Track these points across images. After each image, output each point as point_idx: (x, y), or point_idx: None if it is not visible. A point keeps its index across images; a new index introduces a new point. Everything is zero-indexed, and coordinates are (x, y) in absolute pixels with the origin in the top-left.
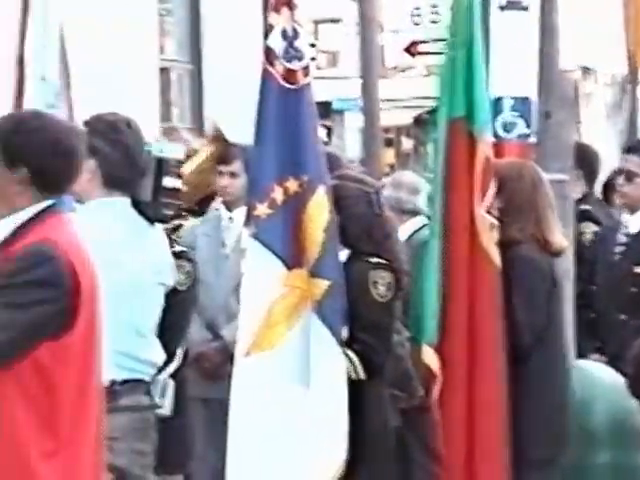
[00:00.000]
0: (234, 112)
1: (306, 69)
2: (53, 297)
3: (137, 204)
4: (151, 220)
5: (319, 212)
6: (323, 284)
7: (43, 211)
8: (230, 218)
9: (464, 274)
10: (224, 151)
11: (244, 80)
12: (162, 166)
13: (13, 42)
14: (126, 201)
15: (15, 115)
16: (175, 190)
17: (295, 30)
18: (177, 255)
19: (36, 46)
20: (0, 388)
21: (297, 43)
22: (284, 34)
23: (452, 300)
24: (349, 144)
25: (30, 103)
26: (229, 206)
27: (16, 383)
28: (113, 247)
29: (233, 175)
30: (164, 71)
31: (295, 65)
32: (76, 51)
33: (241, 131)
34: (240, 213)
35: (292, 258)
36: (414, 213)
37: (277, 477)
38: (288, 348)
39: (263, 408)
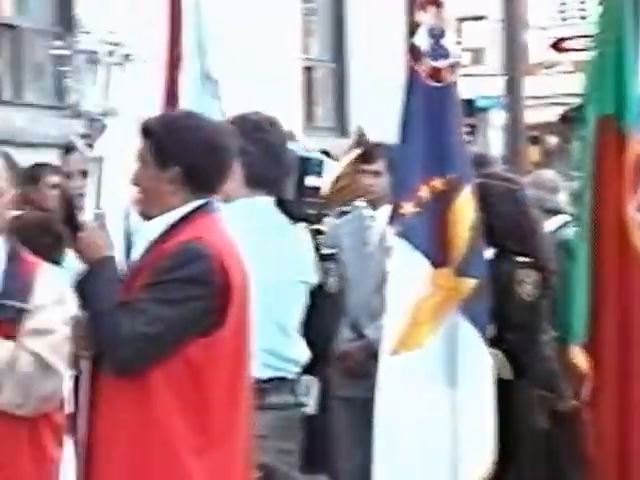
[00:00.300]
0: (377, 111)
1: (452, 67)
2: (204, 295)
3: (281, 203)
4: (295, 219)
5: (465, 211)
6: (469, 283)
7: (195, 210)
8: (372, 217)
9: (614, 273)
10: (368, 150)
11: (387, 78)
12: (305, 165)
13: (167, 43)
14: (270, 200)
15: (167, 115)
16: (317, 189)
17: (442, 28)
18: (325, 257)
19: (192, 47)
20: (153, 386)
21: (443, 41)
22: (431, 32)
23: (602, 300)
24: (492, 142)
25: (186, 104)
26: (373, 205)
27: (168, 382)
28: (256, 246)
29: (377, 174)
30: (308, 70)
31: (441, 63)
32: (222, 51)
33: (384, 130)
34: (383, 212)
35: (438, 257)
36: (555, 212)
37: (424, 478)
38: (434, 347)
39: (410, 407)
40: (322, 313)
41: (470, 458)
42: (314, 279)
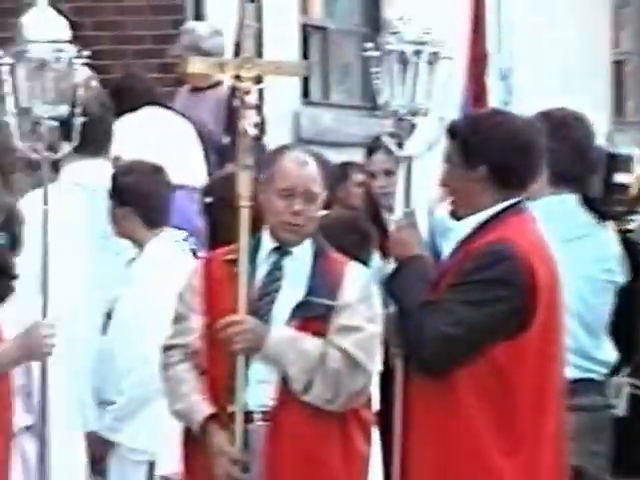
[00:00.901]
0: None
1: None
2: (508, 296)
3: (586, 201)
4: (601, 217)
5: None
6: None
7: (505, 210)
8: None
9: None
10: None
11: None
12: (613, 161)
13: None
14: (574, 198)
15: (472, 115)
16: (626, 186)
17: None
18: None
19: (494, 44)
20: (459, 389)
21: None
22: None
23: None
24: None
25: (492, 101)
26: None
27: (474, 384)
28: (561, 245)
29: None
30: (618, 64)
31: None
32: (529, 46)
33: None
34: None
35: None
36: None
37: None
38: None
39: None
40: None
41: None
42: (622, 279)
